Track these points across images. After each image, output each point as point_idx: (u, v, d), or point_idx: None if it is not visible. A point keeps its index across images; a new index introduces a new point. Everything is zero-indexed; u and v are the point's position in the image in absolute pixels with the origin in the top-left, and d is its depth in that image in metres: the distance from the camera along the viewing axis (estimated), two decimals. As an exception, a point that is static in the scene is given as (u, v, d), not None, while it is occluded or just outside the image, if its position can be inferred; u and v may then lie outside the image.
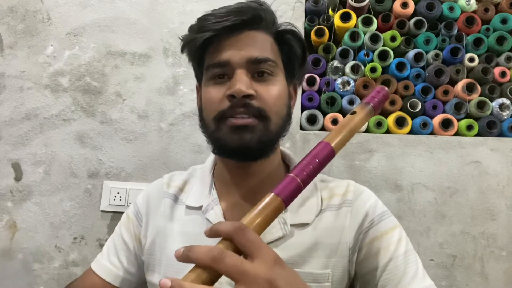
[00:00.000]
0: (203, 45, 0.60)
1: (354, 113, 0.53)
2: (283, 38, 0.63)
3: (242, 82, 0.56)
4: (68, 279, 1.01)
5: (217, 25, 0.57)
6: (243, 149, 0.57)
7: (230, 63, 0.58)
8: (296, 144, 1.06)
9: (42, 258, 1.04)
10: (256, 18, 0.59)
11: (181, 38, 0.63)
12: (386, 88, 0.56)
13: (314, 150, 0.49)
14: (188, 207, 0.66)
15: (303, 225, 0.60)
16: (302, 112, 1.09)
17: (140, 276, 0.71)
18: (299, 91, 1.08)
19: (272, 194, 0.44)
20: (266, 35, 0.61)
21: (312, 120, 1.08)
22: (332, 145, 0.49)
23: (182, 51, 0.64)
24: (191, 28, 0.61)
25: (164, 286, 0.36)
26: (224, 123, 0.57)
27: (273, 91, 0.59)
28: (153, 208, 0.70)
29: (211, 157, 0.71)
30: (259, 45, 0.59)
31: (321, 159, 0.48)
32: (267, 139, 0.58)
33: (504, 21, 1.08)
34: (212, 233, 0.40)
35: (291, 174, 0.46)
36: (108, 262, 0.70)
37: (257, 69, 0.59)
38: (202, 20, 0.59)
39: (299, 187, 0.46)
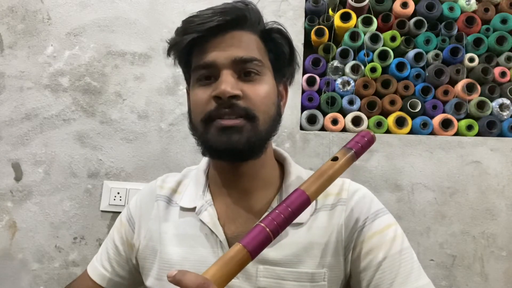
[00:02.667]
0: (189, 47, 0.60)
1: (335, 159, 0.54)
2: (270, 37, 0.63)
3: (227, 83, 0.56)
4: (68, 279, 1.01)
5: (202, 27, 0.57)
6: (231, 150, 0.57)
7: (216, 64, 0.58)
8: (296, 144, 1.06)
9: (42, 258, 1.04)
10: (241, 18, 0.59)
11: (168, 41, 0.63)
12: (372, 133, 0.57)
13: (289, 197, 0.50)
14: (182, 208, 0.65)
15: (298, 225, 0.60)
16: (302, 112, 1.09)
17: (132, 279, 0.72)
18: (299, 91, 1.09)
19: (239, 245, 0.45)
20: (251, 35, 0.61)
21: (312, 120, 1.08)
22: (308, 193, 0.50)
23: (168, 54, 0.64)
24: (177, 31, 0.61)
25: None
26: (212, 125, 0.57)
27: (260, 90, 0.58)
28: (145, 212, 0.69)
29: (206, 158, 0.71)
30: (245, 45, 0.59)
31: (294, 208, 0.48)
32: (255, 139, 0.58)
33: (504, 21, 1.08)
34: (174, 281, 0.41)
35: (261, 224, 0.47)
36: (101, 266, 0.72)
37: (244, 69, 0.58)
38: (187, 22, 0.59)
39: (268, 238, 0.46)
